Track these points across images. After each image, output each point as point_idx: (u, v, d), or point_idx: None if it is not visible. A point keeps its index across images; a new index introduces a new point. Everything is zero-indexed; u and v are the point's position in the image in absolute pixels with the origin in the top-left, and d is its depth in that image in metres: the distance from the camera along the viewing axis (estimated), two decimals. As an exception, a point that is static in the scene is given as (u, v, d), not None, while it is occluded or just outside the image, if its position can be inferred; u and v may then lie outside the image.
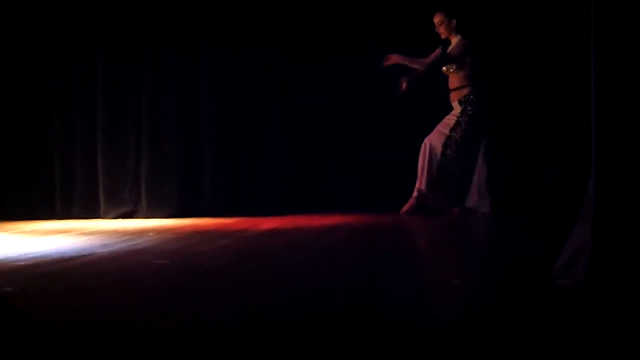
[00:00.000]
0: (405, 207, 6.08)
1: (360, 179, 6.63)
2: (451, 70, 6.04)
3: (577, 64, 5.59)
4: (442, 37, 6.10)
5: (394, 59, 6.09)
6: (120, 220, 6.37)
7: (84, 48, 6.56)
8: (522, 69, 6.17)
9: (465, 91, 6.01)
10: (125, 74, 6.55)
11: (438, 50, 6.08)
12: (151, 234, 4.95)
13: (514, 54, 6.18)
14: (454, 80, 6.07)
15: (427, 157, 6.04)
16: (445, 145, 6.02)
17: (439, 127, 6.09)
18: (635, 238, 2.26)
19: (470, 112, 5.98)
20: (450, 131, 6.02)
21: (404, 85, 5.88)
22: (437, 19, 6.10)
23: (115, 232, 5.14)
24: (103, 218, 6.48)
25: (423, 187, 6.04)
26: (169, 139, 6.48)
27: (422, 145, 6.08)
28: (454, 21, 6.04)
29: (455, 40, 6.06)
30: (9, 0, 6.53)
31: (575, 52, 5.70)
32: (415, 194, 6.09)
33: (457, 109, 6.05)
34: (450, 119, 6.06)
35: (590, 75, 2.34)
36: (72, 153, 6.62)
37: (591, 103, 2.33)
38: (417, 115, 6.46)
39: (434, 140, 6.07)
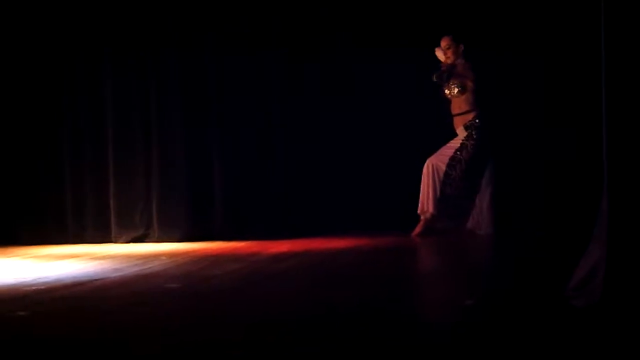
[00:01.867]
0: (417, 230, 6.06)
1: (370, 197, 6.62)
2: (453, 92, 6.04)
3: (579, 68, 5.60)
4: (449, 61, 6.11)
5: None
6: (132, 244, 6.37)
7: (91, 70, 6.59)
8: (521, 73, 6.16)
9: (470, 116, 6.01)
10: (133, 98, 6.57)
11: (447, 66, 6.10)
12: (163, 258, 4.95)
13: (514, 58, 6.16)
14: (457, 105, 6.06)
15: (430, 178, 6.03)
16: (449, 166, 6.01)
17: (442, 149, 6.08)
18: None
19: (476, 137, 5.98)
20: (456, 152, 6.01)
21: (436, 78, 5.97)
22: (444, 43, 6.11)
23: (127, 257, 5.14)
24: (115, 242, 6.48)
25: (430, 209, 6.03)
26: (178, 161, 6.50)
27: (425, 167, 6.06)
28: (462, 46, 6.06)
29: (461, 62, 6.07)
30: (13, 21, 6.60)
31: (576, 57, 5.71)
32: (422, 216, 6.08)
33: (462, 133, 6.04)
34: (455, 142, 6.05)
35: (596, 86, 2.33)
36: (83, 178, 6.63)
37: (603, 120, 2.32)
38: (425, 132, 6.42)
39: (438, 160, 6.06)
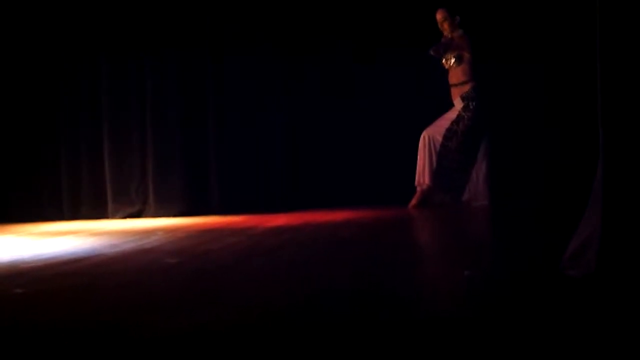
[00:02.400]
0: (413, 201, 6.08)
1: (365, 172, 6.64)
2: (450, 63, 6.02)
3: (579, 53, 5.59)
4: (445, 34, 6.10)
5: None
6: (128, 220, 6.38)
7: (88, 50, 6.58)
8: (522, 61, 6.16)
9: (467, 87, 6.01)
10: (128, 74, 6.56)
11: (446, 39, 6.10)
12: (159, 233, 4.96)
13: (514, 46, 6.16)
14: (454, 76, 6.06)
15: (427, 150, 6.04)
16: (445, 137, 6.02)
17: (438, 120, 6.09)
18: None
19: (472, 108, 5.98)
20: (452, 124, 6.02)
21: (432, 52, 5.98)
22: (440, 16, 6.09)
23: (124, 232, 5.14)
24: (111, 218, 6.49)
25: (427, 180, 6.04)
26: (173, 137, 6.49)
27: (421, 139, 6.07)
28: (457, 18, 6.05)
29: (457, 34, 6.05)
30: (20, 10, 6.57)
31: (576, 41, 5.69)
32: (419, 188, 6.10)
33: (459, 104, 6.04)
34: (452, 113, 6.07)
35: (593, 63, 2.32)
36: (78, 154, 6.64)
37: (598, 90, 2.31)
38: (421, 104, 6.42)
39: (434, 132, 6.06)
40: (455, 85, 6.06)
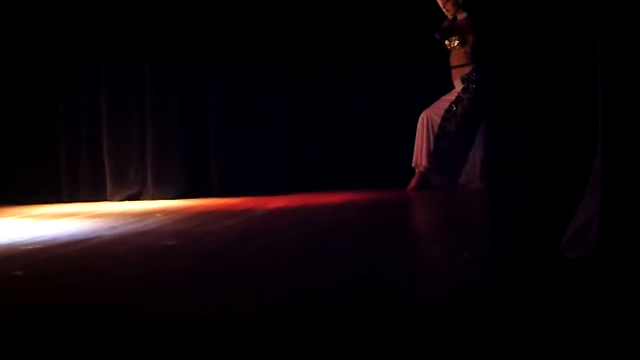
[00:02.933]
0: (412, 183, 6.08)
1: (365, 153, 6.64)
2: (454, 45, 6.01)
3: (581, 39, 5.58)
4: (449, 15, 6.07)
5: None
6: (127, 202, 6.38)
7: (87, 33, 6.55)
8: (524, 47, 6.15)
9: (467, 69, 5.99)
10: (128, 57, 6.53)
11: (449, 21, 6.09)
12: (158, 215, 4.96)
13: (517, 32, 6.15)
14: (456, 57, 6.05)
15: (425, 131, 6.03)
16: (444, 119, 6.01)
17: (438, 102, 6.08)
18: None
19: (472, 90, 5.96)
20: (451, 105, 6.01)
21: (438, 35, 5.97)
22: None
23: (123, 214, 5.14)
24: (110, 200, 6.49)
25: (424, 162, 6.04)
26: (172, 119, 6.48)
27: (420, 120, 6.06)
28: None
29: (461, 16, 6.03)
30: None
31: (579, 27, 5.68)
32: (417, 169, 6.10)
33: (458, 86, 6.02)
34: (451, 95, 6.05)
35: (594, 48, 2.31)
36: (77, 137, 6.62)
37: (598, 72, 2.30)
38: (418, 91, 6.42)
39: (432, 113, 6.05)
40: (456, 67, 6.05)
